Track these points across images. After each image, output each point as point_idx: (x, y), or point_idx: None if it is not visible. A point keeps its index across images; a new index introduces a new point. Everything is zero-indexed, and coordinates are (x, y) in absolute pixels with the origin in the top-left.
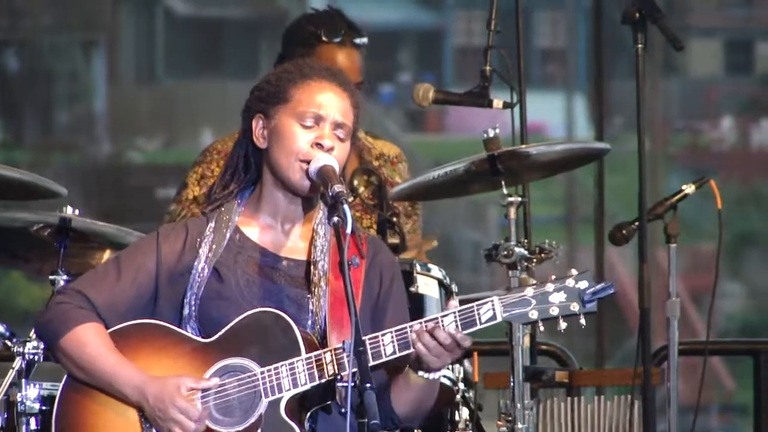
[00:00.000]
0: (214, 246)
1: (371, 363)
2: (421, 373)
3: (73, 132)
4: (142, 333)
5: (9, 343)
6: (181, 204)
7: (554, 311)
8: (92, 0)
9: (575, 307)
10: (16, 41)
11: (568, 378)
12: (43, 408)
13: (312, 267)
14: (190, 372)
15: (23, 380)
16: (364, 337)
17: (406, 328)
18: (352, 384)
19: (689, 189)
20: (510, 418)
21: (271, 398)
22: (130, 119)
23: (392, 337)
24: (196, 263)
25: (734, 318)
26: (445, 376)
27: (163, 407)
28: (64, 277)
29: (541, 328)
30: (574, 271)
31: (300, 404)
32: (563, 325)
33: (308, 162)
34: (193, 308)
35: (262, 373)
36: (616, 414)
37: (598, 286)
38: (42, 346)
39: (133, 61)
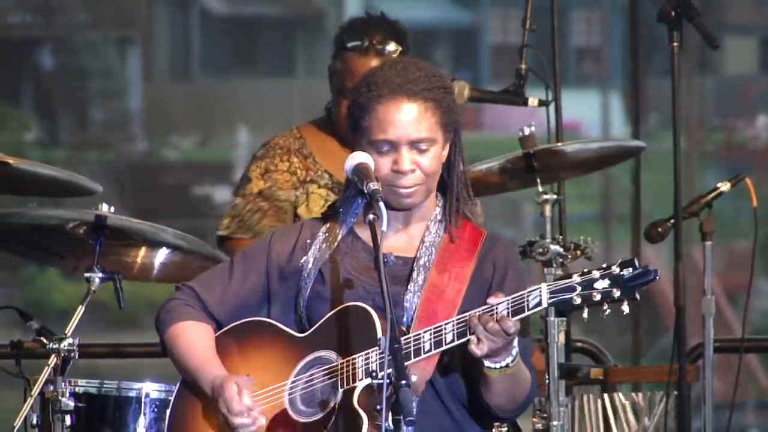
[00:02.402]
0: (324, 246)
1: (434, 351)
2: (488, 364)
3: (108, 130)
4: (246, 330)
5: (45, 341)
6: (246, 198)
7: (597, 297)
8: None
9: (617, 293)
10: (51, 39)
11: (603, 375)
12: (78, 405)
13: (414, 263)
14: (284, 364)
15: (59, 377)
16: (430, 327)
17: (466, 317)
18: (388, 381)
19: (724, 187)
20: (545, 415)
21: (347, 388)
22: (166, 117)
23: (453, 325)
24: (305, 264)
25: None
26: None
27: (215, 400)
28: (100, 274)
29: (585, 315)
30: (621, 259)
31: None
32: (607, 311)
33: (395, 186)
34: (303, 309)
35: (341, 364)
36: (652, 411)
37: (636, 272)
38: (77, 344)
39: (169, 58)
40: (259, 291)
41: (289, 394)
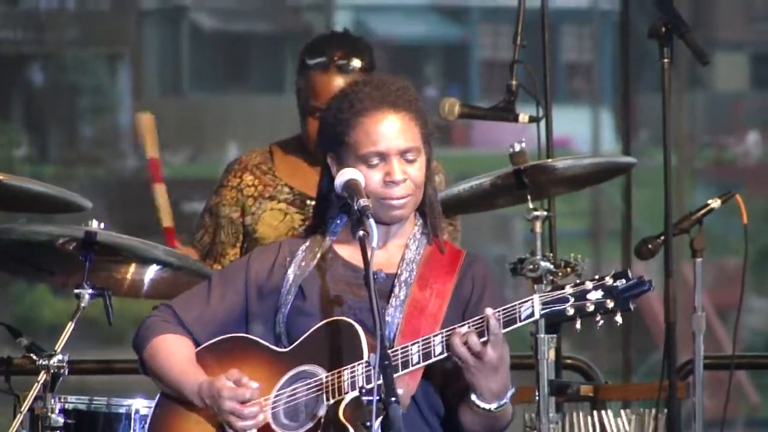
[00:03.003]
0: (303, 264)
1: (422, 363)
2: (474, 398)
3: (97, 146)
4: (226, 346)
5: (34, 357)
6: (204, 212)
7: (590, 308)
8: (117, 14)
9: (610, 304)
10: (41, 55)
11: (593, 392)
12: (68, 422)
13: (395, 279)
14: (266, 379)
15: (48, 394)
16: (419, 339)
17: (455, 329)
18: (377, 398)
19: (715, 203)
20: None
21: (332, 401)
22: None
23: (441, 337)
24: (284, 281)
25: (760, 332)
26: None
27: (215, 402)
28: (89, 291)
29: (578, 326)
30: (614, 270)
31: (368, 410)
32: (600, 322)
33: (386, 198)
34: (282, 326)
35: (326, 377)
36: (642, 428)
37: (630, 283)
38: (67, 360)
39: (158, 74)
40: (236, 311)
41: (272, 408)
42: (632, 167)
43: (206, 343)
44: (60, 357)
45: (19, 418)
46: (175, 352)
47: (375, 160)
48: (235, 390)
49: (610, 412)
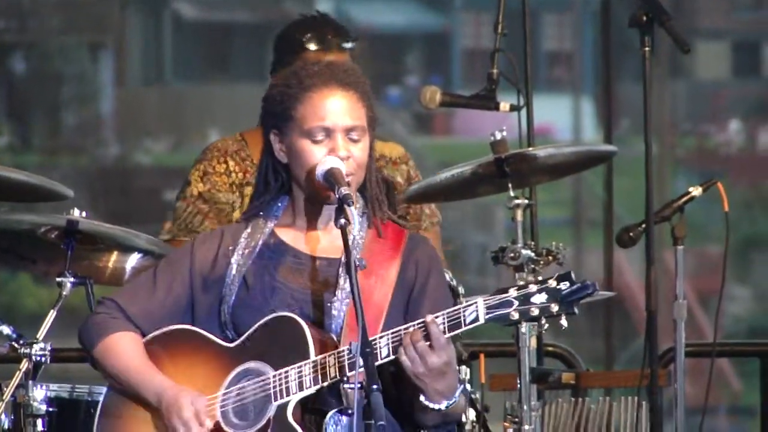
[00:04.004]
0: (246, 252)
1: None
2: (422, 400)
3: (80, 134)
4: (172, 339)
5: (16, 345)
6: (186, 201)
7: (534, 312)
8: (100, 3)
9: (555, 308)
10: (24, 44)
11: (575, 379)
12: (50, 409)
13: (340, 268)
14: (213, 375)
15: (30, 382)
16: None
17: (401, 331)
18: (359, 385)
19: (696, 191)
20: (517, 420)
21: (280, 402)
22: (138, 121)
23: (388, 339)
24: (228, 271)
25: (741, 320)
26: None
27: (169, 416)
28: (71, 279)
29: (523, 329)
30: (558, 272)
31: (315, 408)
32: (545, 325)
33: None
34: (227, 316)
35: (274, 376)
36: (623, 416)
37: (575, 287)
38: (49, 348)
39: (141, 63)
40: (182, 301)
41: (221, 406)
42: (613, 156)
43: (153, 334)
44: (42, 345)
45: (1, 406)
46: (127, 351)
47: (320, 136)
48: (189, 420)
49: (591, 400)
